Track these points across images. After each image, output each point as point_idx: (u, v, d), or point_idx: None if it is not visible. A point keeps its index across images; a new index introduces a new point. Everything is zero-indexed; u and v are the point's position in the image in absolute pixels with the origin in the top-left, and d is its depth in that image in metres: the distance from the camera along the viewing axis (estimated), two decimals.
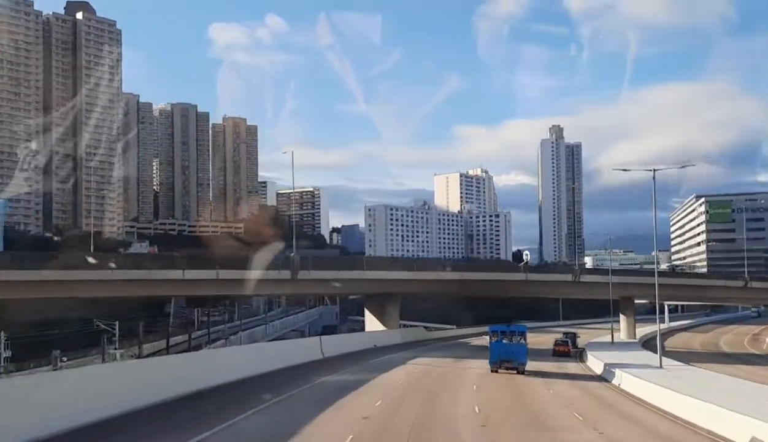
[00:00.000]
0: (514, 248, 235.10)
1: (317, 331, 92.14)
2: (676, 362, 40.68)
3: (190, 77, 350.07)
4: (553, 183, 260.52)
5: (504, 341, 38.72)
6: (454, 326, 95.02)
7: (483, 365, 40.71)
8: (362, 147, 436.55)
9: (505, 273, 66.52)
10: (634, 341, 73.83)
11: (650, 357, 50.13)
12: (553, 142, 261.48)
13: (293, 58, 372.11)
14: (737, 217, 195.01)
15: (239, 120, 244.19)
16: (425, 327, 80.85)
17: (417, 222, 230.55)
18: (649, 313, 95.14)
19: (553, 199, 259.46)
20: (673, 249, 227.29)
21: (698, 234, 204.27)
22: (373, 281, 58.32)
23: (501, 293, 70.44)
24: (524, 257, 68.33)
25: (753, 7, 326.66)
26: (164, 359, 30.97)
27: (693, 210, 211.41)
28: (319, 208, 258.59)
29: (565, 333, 68.55)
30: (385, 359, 46.11)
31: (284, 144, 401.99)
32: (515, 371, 37.45)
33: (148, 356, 54.91)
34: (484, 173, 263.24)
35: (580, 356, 56.05)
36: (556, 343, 57.71)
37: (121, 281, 44.16)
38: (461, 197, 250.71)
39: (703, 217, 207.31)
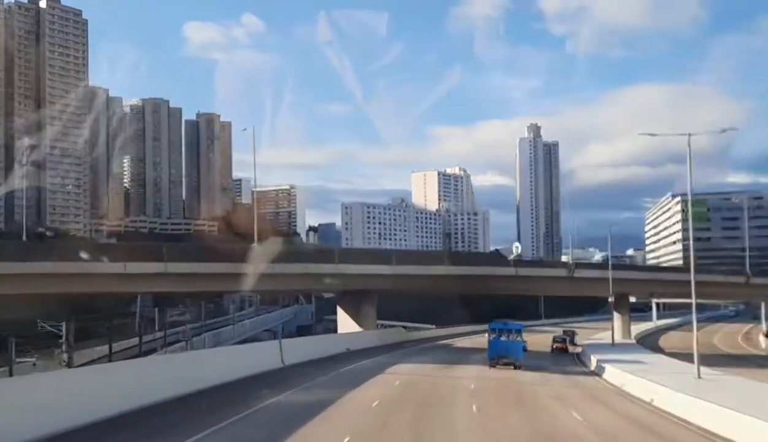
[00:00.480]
0: (492, 248, 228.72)
1: (291, 331, 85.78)
2: (709, 370, 33.13)
3: (164, 75, 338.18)
4: (531, 181, 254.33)
5: (502, 338, 39.92)
6: (434, 326, 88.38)
7: (477, 372, 35.14)
8: (338, 147, 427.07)
9: (493, 267, 58.76)
10: (630, 340, 66.81)
11: (668, 362, 43.46)
12: (531, 141, 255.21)
13: (269, 58, 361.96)
14: (713, 216, 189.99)
15: (213, 116, 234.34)
16: (404, 327, 73.01)
17: (394, 220, 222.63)
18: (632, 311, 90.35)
19: (531, 197, 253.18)
20: (647, 248, 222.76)
21: (674, 233, 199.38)
22: (347, 276, 49.85)
23: (487, 290, 62.96)
24: (514, 249, 60.63)
25: (723, 10, 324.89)
26: (42, 376, 22.83)
27: (668, 209, 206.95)
28: (295, 207, 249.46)
29: (564, 331, 67.63)
30: (359, 366, 38.20)
31: (260, 144, 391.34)
32: (512, 367, 38.34)
33: (83, 365, 46.09)
34: (462, 172, 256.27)
35: (580, 359, 48.77)
36: (555, 340, 57.41)
37: (37, 276, 35.62)
38: (439, 196, 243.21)
39: (678, 217, 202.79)
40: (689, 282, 33.14)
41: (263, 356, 35.15)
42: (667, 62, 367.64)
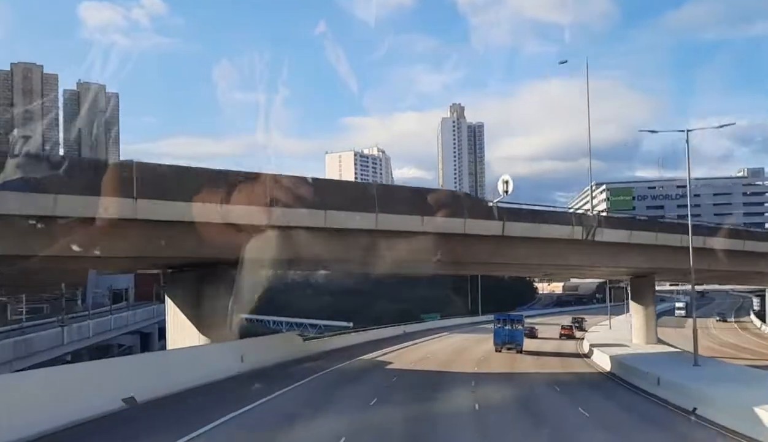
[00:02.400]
0: None
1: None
2: None
3: (58, 53, 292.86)
4: (455, 166, 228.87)
5: (506, 328, 43.47)
6: (351, 324, 65.29)
7: None
8: (249, 138, 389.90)
9: (463, 220, 30.43)
10: (669, 347, 40.53)
11: None
12: (454, 122, 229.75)
13: (172, 42, 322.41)
14: (638, 204, 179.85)
15: (98, 87, 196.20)
16: (301, 334, 43.92)
17: None
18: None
19: (455, 182, 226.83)
20: None
21: None
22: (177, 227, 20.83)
23: (456, 267, 35.11)
24: (502, 185, 30.90)
25: (634, 6, 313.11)
26: None
27: (594, 198, 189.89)
28: None
29: (573, 318, 74.24)
30: None
31: (167, 134, 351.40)
32: (515, 351, 41.86)
33: None
34: (380, 153, 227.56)
35: None
36: (563, 327, 61.46)
37: None
38: (356, 178, 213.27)
39: (603, 205, 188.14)
40: None
41: None
42: (581, 56, 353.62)
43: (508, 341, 42.66)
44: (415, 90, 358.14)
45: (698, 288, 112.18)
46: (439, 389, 24.20)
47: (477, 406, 20.07)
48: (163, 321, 72.95)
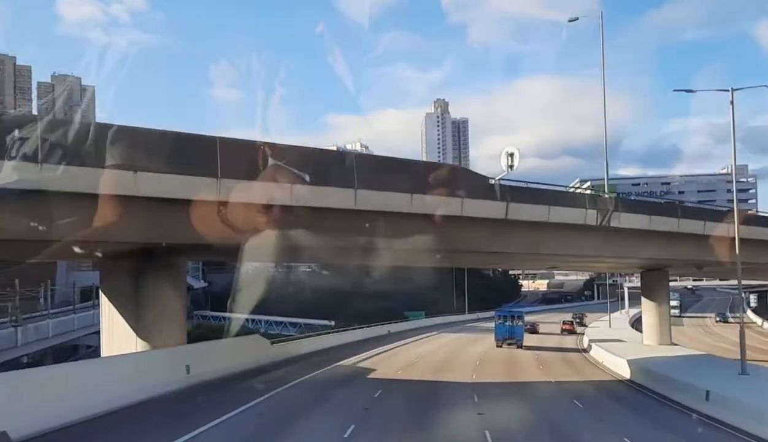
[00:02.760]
0: None
1: None
2: None
3: (35, 47, 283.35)
4: (440, 161, 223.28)
5: (507, 324, 44.00)
6: (333, 323, 60.50)
7: None
8: (228, 134, 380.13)
9: (460, 200, 25.29)
10: (688, 350, 35.72)
11: None
12: (438, 116, 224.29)
13: (152, 38, 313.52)
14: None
15: (73, 80, 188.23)
16: (273, 334, 38.52)
17: None
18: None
19: None
20: None
21: None
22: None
23: (451, 258, 29.72)
24: (505, 159, 25.79)
25: (617, 5, 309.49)
26: None
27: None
28: None
29: (574, 314, 74.21)
30: None
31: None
32: (516, 346, 42.48)
33: None
34: (364, 148, 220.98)
35: None
36: (564, 322, 61.91)
37: None
38: None
39: None
40: None
41: None
42: (562, 54, 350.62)
43: (508, 337, 43.38)
44: (399, 87, 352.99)
45: (689, 284, 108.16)
46: (435, 408, 18.93)
47: (488, 436, 14.84)
48: None
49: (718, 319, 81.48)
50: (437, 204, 23.47)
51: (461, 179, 25.02)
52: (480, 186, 25.51)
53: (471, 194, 24.75)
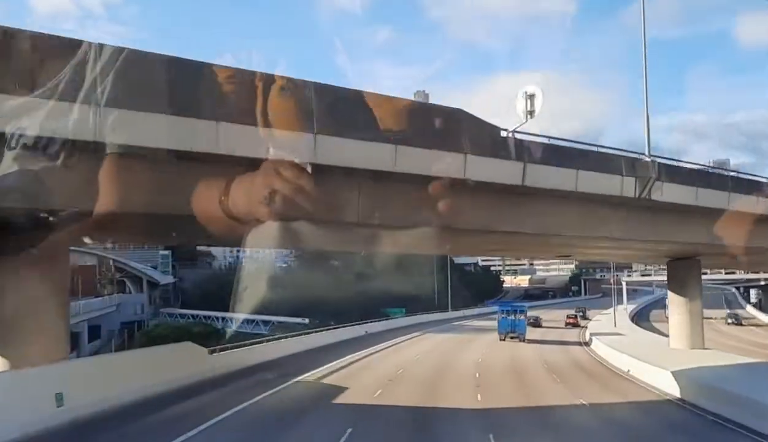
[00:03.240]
0: None
1: (113, 329, 60.43)
2: None
3: None
4: None
5: (510, 318, 44.23)
6: (307, 321, 56.21)
7: None
8: None
9: (463, 157, 18.24)
10: (733, 357, 28.99)
11: None
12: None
13: (128, 31, 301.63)
14: None
15: None
16: (242, 334, 31.74)
17: None
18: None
19: None
20: None
21: None
22: None
23: (443, 239, 21.98)
24: (524, 102, 19.43)
25: (590, 3, 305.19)
26: None
27: None
28: None
29: (576, 308, 72.06)
30: None
31: None
32: (518, 340, 42.46)
33: None
34: None
35: None
36: (569, 316, 62.13)
37: None
38: None
39: None
40: None
41: None
42: (541, 50, 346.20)
43: (511, 331, 43.65)
44: (379, 84, 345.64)
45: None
46: None
47: None
48: (98, 318, 60.54)
49: (730, 321, 68.73)
50: (430, 161, 16.34)
51: (464, 129, 17.55)
52: (489, 139, 18.25)
53: (477, 150, 17.57)
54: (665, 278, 79.82)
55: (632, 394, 21.77)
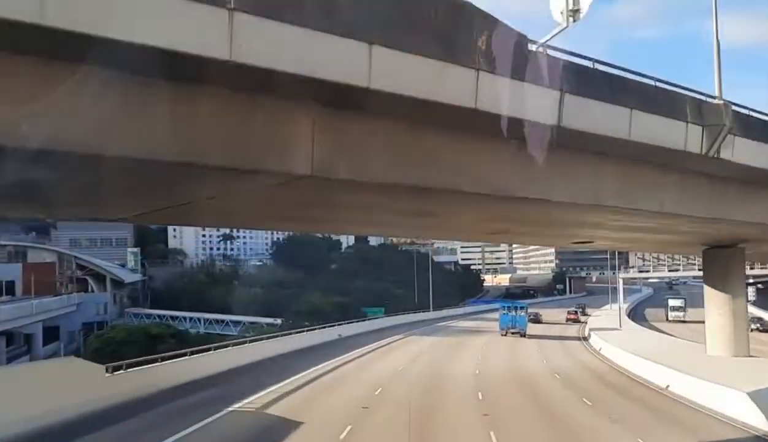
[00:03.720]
0: None
1: (73, 330, 59.68)
2: None
3: None
4: None
5: (511, 314, 45.92)
6: (280, 322, 53.18)
7: None
8: None
9: (475, 73, 12.18)
10: None
11: None
12: None
13: None
14: None
15: None
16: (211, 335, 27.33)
17: None
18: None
19: None
20: None
21: None
22: None
23: (442, 222, 15.54)
24: (563, 2, 14.50)
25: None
26: None
27: None
28: None
29: (577, 304, 70.92)
30: None
31: None
32: (519, 335, 43.65)
33: None
34: None
35: None
36: (569, 312, 62.44)
37: None
38: None
39: None
40: None
41: None
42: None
43: (512, 327, 44.80)
44: None
45: (670, 275, 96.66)
46: None
47: None
48: (55, 319, 55.55)
49: (756, 327, 48.09)
50: (426, 79, 9.88)
51: (475, 32, 11.21)
52: (511, 52, 11.77)
53: (494, 67, 11.10)
54: (664, 274, 74.87)
55: (702, 429, 15.48)
